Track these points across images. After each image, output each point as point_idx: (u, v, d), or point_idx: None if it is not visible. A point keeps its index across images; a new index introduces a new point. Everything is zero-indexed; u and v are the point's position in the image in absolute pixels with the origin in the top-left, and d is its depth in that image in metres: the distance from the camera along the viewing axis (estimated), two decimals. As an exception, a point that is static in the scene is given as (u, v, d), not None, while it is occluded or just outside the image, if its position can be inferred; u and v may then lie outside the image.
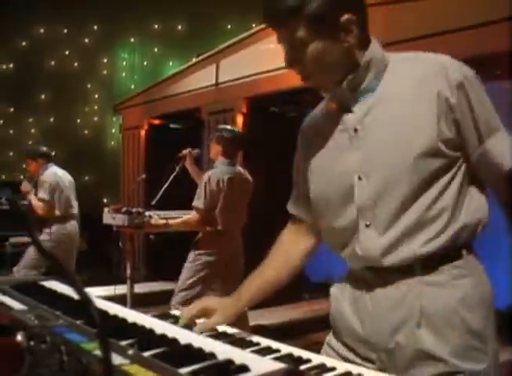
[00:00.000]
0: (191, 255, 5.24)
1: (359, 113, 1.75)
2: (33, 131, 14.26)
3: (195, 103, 8.86)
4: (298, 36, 1.67)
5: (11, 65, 14.01)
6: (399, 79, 1.73)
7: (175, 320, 1.85)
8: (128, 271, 5.63)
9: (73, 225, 6.87)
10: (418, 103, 1.67)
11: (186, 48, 13.30)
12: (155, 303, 7.95)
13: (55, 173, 6.83)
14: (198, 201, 5.10)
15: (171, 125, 10.46)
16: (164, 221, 5.31)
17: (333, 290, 1.96)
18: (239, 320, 5.17)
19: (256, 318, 6.75)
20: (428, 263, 1.69)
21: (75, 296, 1.79)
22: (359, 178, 1.72)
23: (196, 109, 8.83)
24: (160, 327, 1.49)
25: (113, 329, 1.40)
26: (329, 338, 1.96)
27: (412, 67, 1.73)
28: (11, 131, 14.04)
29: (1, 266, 9.62)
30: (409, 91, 1.70)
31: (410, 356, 1.71)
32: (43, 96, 14.24)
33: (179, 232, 5.65)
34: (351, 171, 1.74)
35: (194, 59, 9.77)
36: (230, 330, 1.81)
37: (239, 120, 8.11)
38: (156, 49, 14.59)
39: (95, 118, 14.54)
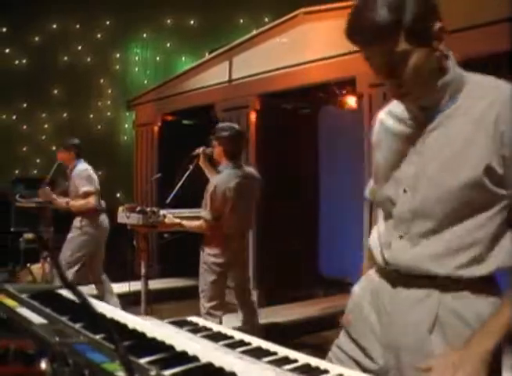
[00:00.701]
0: (201, 258, 5.28)
1: (424, 130, 1.78)
2: (46, 126, 14.28)
3: (208, 100, 8.84)
4: (399, 49, 1.66)
5: (24, 60, 14.02)
6: (469, 106, 1.74)
7: (192, 328, 1.85)
8: (143, 270, 5.61)
9: (103, 219, 6.92)
10: (477, 133, 1.69)
11: (199, 43, 13.32)
12: (169, 299, 8.01)
13: (88, 168, 6.98)
14: (205, 212, 5.11)
15: (185, 122, 10.46)
16: (178, 220, 5.30)
17: (356, 286, 2.05)
18: (249, 320, 5.18)
19: (270, 315, 6.77)
20: (452, 281, 1.73)
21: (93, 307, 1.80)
22: (404, 191, 1.79)
23: (209, 106, 8.81)
24: (180, 342, 1.49)
25: (132, 346, 1.40)
26: (340, 338, 2.04)
27: (483, 95, 1.73)
28: (24, 127, 14.06)
29: (17, 262, 9.69)
30: (472, 120, 1.71)
31: (416, 360, 1.73)
32: (56, 92, 14.26)
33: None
34: (400, 182, 1.81)
35: (207, 54, 9.76)
36: (247, 338, 1.80)
37: (253, 117, 8.08)
38: (168, 44, 14.59)
39: (108, 113, 14.56)
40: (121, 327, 1.60)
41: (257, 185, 5.42)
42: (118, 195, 13.29)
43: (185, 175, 5.59)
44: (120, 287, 7.28)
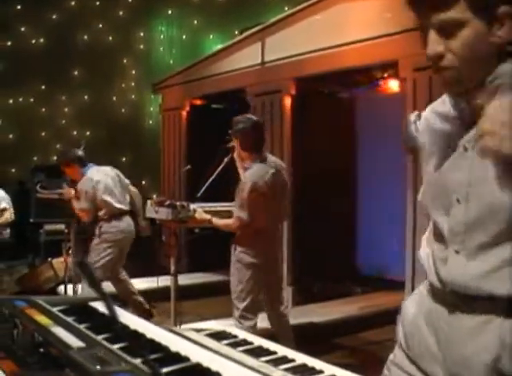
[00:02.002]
0: (232, 256, 5.23)
1: (474, 132, 1.69)
2: (66, 109, 14.33)
3: (239, 84, 8.83)
4: (455, 17, 1.63)
5: (41, 40, 14.06)
6: None
7: (232, 341, 1.88)
8: (172, 267, 5.61)
9: (123, 222, 6.96)
10: None
11: (227, 20, 13.28)
12: (198, 295, 8.06)
13: (91, 179, 6.90)
14: (241, 211, 5.03)
15: (214, 106, 10.48)
16: (208, 216, 5.27)
17: (408, 303, 2.01)
18: (282, 328, 5.17)
19: (307, 314, 6.79)
20: None
21: (130, 324, 1.81)
22: (458, 201, 1.73)
23: (240, 90, 8.80)
24: (228, 367, 1.50)
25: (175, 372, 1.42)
26: (396, 355, 2.00)
27: None
28: (43, 110, 14.11)
29: (37, 255, 9.78)
30: None
31: None
32: (76, 73, 14.31)
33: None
34: (450, 191, 1.75)
35: (236, 33, 9.73)
36: (291, 353, 1.80)
37: (287, 102, 8.04)
38: (195, 22, 14.56)
39: (133, 96, 14.59)
40: (161, 349, 1.61)
41: (286, 174, 5.40)
42: (144, 182, 13.35)
43: (219, 168, 5.55)
44: (147, 283, 7.35)
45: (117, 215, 6.92)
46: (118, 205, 6.94)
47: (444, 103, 1.84)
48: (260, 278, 5.19)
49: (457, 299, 1.76)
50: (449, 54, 1.66)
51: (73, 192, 7.01)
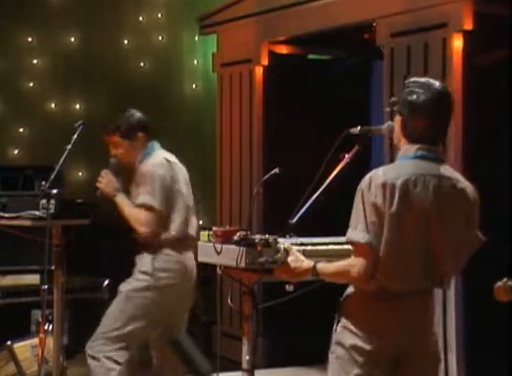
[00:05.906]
0: (333, 335, 5.04)
1: None
2: (35, 61, 14.09)
3: (361, 15, 8.76)
4: None
5: None
6: None
7: None
8: (246, 356, 5.50)
9: (190, 256, 6.99)
10: None
11: None
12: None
13: (167, 160, 7.07)
14: (355, 232, 4.81)
15: (314, 57, 10.51)
16: (311, 262, 5.00)
17: None
18: None
19: None
20: None
21: None
22: None
23: (363, 26, 8.79)
24: None
25: None
26: None
27: None
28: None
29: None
30: None
31: None
32: (52, -6, 14.21)
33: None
34: None
35: None
36: None
37: (456, 47, 7.75)
38: None
39: (160, 37, 14.47)
40: None
41: (468, 204, 5.01)
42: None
43: (335, 173, 5.44)
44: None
45: (184, 240, 6.97)
46: (193, 219, 7.15)
47: None
48: None
49: None
50: None
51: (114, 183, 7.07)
